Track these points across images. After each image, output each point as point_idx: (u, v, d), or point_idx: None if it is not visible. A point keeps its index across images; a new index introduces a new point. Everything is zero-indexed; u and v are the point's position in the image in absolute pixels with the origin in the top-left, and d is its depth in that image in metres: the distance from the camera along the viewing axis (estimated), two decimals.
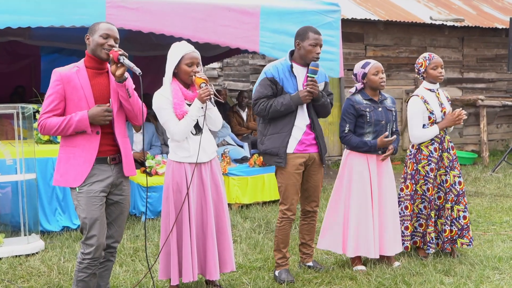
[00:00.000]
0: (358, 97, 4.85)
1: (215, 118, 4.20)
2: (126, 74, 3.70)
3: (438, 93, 5.15)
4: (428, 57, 5.13)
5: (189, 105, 4.13)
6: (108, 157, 3.71)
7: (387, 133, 4.85)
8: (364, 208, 4.81)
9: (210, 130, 4.30)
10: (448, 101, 5.25)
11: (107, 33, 3.64)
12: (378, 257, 4.89)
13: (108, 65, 3.73)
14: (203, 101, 4.03)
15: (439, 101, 5.11)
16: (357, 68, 4.92)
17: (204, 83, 4.03)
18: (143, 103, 3.83)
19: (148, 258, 4.49)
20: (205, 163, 4.22)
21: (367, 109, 4.80)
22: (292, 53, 4.66)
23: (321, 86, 4.65)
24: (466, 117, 5.12)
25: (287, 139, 4.58)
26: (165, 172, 4.28)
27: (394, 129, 4.98)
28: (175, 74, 4.17)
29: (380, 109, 4.85)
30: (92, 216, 3.61)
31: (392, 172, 5.01)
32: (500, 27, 11.83)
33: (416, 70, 5.25)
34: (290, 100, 4.50)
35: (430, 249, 5.09)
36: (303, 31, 4.58)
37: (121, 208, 3.82)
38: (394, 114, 4.98)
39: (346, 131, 4.83)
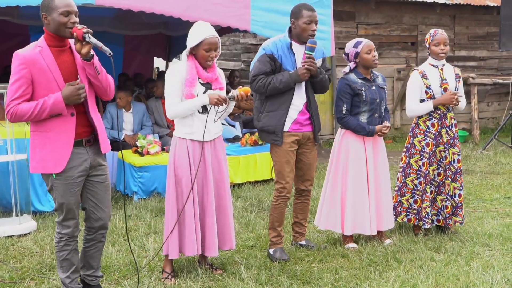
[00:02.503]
0: (353, 76, 4.86)
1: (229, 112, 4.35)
2: (92, 51, 3.51)
3: (442, 69, 5.15)
4: (433, 34, 5.14)
5: (202, 84, 4.14)
6: (84, 139, 3.60)
7: (388, 124, 4.88)
8: (360, 186, 4.86)
9: None
10: (457, 78, 5.22)
11: (68, 10, 3.43)
12: (375, 233, 4.94)
13: (70, 41, 3.56)
14: (212, 103, 4.08)
15: (441, 77, 5.11)
16: (349, 47, 4.90)
17: (234, 98, 4.15)
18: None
19: (129, 237, 4.50)
20: (208, 141, 4.23)
21: (363, 88, 4.81)
22: (290, 30, 4.64)
23: (318, 62, 4.65)
24: (458, 103, 5.11)
25: (284, 118, 4.58)
26: (170, 148, 4.29)
27: (384, 107, 5.01)
28: (194, 55, 4.17)
29: (373, 87, 4.87)
30: (70, 201, 3.58)
31: (385, 149, 5.05)
32: (492, 4, 11.82)
33: (425, 45, 5.26)
34: (289, 78, 4.49)
35: (426, 224, 5.13)
36: (297, 9, 4.55)
37: (104, 187, 3.76)
38: (386, 91, 5.01)
39: (344, 112, 4.84)
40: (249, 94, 4.18)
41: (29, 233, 5.42)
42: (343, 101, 4.84)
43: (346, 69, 4.93)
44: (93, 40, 3.41)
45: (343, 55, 5.03)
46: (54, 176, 3.55)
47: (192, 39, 4.10)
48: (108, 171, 3.85)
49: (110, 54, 3.41)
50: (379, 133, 4.86)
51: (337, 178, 4.94)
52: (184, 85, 4.10)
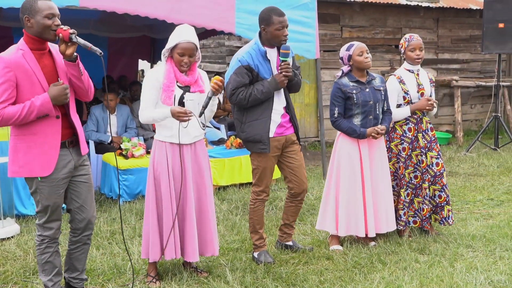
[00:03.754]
0: (345, 80, 4.91)
1: (207, 117, 4.29)
2: (75, 55, 3.49)
3: (418, 74, 5.19)
4: (408, 39, 5.17)
5: (180, 87, 4.11)
6: (67, 141, 3.60)
7: (382, 126, 4.88)
8: (353, 189, 4.88)
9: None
10: (431, 83, 5.27)
11: (52, 12, 3.41)
12: (374, 235, 4.95)
13: (49, 44, 3.55)
14: (174, 117, 4.02)
15: (418, 82, 5.15)
16: (342, 51, 4.97)
17: (213, 94, 4.07)
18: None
19: (125, 241, 4.48)
20: (188, 145, 4.19)
21: (354, 91, 4.84)
22: (260, 35, 4.55)
23: (289, 63, 4.58)
24: (434, 109, 5.15)
25: (268, 124, 4.53)
26: (151, 151, 4.27)
27: (385, 108, 5.02)
28: (171, 56, 4.15)
29: (367, 89, 4.89)
30: (55, 203, 3.58)
31: (385, 150, 5.05)
32: (475, 8, 11.93)
33: (399, 51, 5.29)
34: (269, 87, 4.45)
35: (399, 226, 5.16)
36: (267, 15, 4.44)
37: (87, 186, 3.76)
38: (383, 93, 4.99)
39: (336, 115, 4.89)
40: (220, 79, 4.06)
41: (12, 237, 5.38)
42: (335, 104, 4.89)
43: (339, 73, 4.98)
44: (81, 40, 3.40)
45: (339, 60, 5.06)
46: (39, 178, 3.52)
47: (169, 41, 4.10)
48: (91, 171, 3.84)
49: (100, 53, 3.39)
50: (372, 135, 4.87)
51: (331, 180, 4.99)
52: (161, 90, 4.08)
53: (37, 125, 3.47)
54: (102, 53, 3.41)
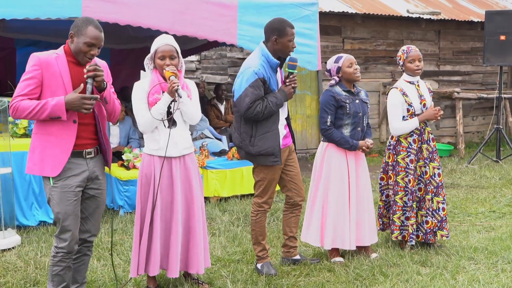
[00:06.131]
0: (338, 89, 4.88)
1: (191, 111, 4.12)
2: (104, 84, 3.63)
3: (418, 85, 5.19)
4: (406, 50, 5.15)
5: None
6: (84, 151, 3.65)
7: (371, 141, 4.90)
8: (342, 201, 4.85)
9: (189, 124, 4.25)
10: (430, 92, 5.28)
11: (93, 42, 3.56)
12: (354, 248, 4.93)
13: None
14: (171, 94, 3.96)
15: (419, 93, 5.15)
16: (330, 63, 4.93)
17: (174, 76, 3.96)
18: (122, 96, 3.80)
19: (113, 250, 4.48)
20: (176, 158, 4.14)
21: (347, 101, 4.82)
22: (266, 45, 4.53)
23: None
24: (440, 118, 5.18)
25: (278, 136, 4.52)
26: (140, 165, 4.25)
27: (366, 122, 5.03)
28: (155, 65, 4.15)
29: (357, 101, 4.89)
30: (66, 211, 3.57)
31: (366, 163, 5.06)
32: (476, 20, 11.95)
33: (397, 63, 5.29)
34: (281, 99, 4.46)
35: (412, 241, 5.14)
36: (281, 26, 4.45)
37: (97, 202, 3.78)
38: (369, 106, 5.04)
39: (328, 123, 4.83)
40: (174, 72, 3.99)
41: (13, 248, 5.36)
42: (328, 112, 4.83)
43: (332, 82, 4.94)
44: (89, 87, 3.52)
45: (325, 72, 5.04)
46: (51, 183, 3.57)
47: (151, 51, 4.10)
48: (105, 187, 3.85)
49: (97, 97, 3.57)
50: (362, 148, 4.88)
51: (318, 192, 4.92)
52: (147, 97, 4.06)
53: (54, 127, 3.55)
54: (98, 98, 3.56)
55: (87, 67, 3.53)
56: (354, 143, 4.83)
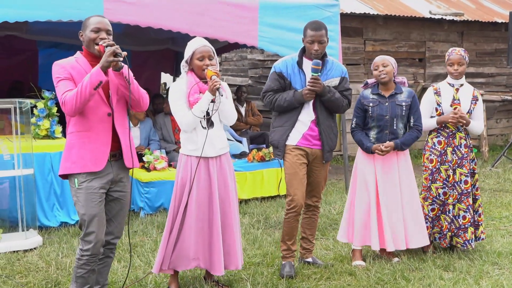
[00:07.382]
0: (367, 92, 4.98)
1: (228, 112, 4.20)
2: (121, 63, 3.58)
3: (457, 89, 5.13)
4: (449, 53, 5.16)
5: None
6: (109, 154, 3.66)
7: (389, 143, 4.83)
8: (365, 202, 4.89)
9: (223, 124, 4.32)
10: (473, 100, 5.16)
11: (98, 26, 3.60)
12: (401, 248, 4.90)
13: None
14: (213, 92, 4.01)
15: (454, 97, 5.09)
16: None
17: (215, 75, 4.02)
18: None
19: (132, 252, 4.47)
20: (213, 158, 4.19)
21: (371, 104, 4.88)
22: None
23: (334, 82, 4.65)
24: (458, 123, 5.05)
25: (288, 133, 4.62)
26: (177, 166, 4.30)
27: (411, 124, 4.94)
28: (193, 70, 4.20)
29: (386, 103, 4.86)
30: (90, 212, 3.58)
31: (409, 164, 4.99)
32: (500, 21, 11.80)
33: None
34: (293, 97, 4.55)
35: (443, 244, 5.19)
36: (304, 27, 4.61)
37: (121, 204, 3.79)
38: (404, 108, 4.89)
39: (353, 126, 5.00)
40: (216, 72, 4.04)
41: (35, 248, 5.40)
42: (355, 115, 5.00)
43: (365, 85, 5.06)
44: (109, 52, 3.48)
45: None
46: (76, 185, 3.58)
47: (186, 54, 4.17)
48: (129, 189, 3.86)
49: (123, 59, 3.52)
50: (376, 151, 4.84)
51: (349, 193, 5.10)
52: (187, 96, 4.12)
53: (90, 122, 3.59)
54: (123, 65, 3.54)
55: (100, 42, 3.55)
56: (368, 145, 4.87)
